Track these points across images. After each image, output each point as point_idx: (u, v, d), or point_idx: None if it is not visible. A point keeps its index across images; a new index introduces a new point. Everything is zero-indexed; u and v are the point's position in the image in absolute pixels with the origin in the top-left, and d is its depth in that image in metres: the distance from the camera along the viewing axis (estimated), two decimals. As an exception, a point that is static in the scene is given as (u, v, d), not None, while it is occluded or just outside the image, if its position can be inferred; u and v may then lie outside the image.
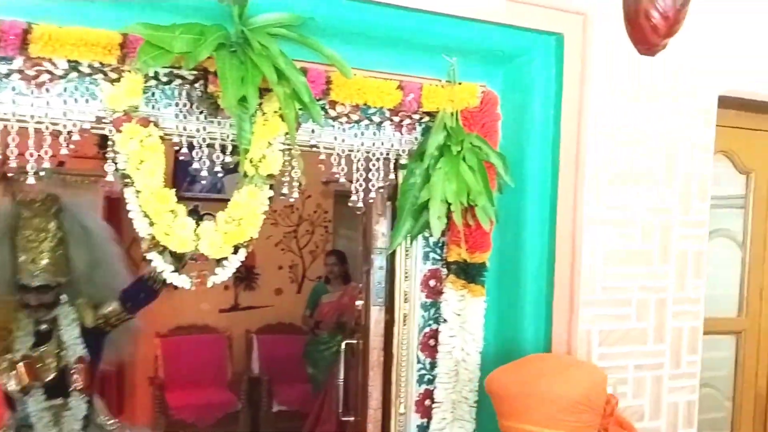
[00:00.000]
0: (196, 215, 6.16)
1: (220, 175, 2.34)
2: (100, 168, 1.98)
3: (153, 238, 2.27)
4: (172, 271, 2.35)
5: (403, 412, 2.64)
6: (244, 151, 2.18)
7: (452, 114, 2.45)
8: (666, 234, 2.62)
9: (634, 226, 2.58)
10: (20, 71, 2.08)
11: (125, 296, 3.14)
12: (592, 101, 2.48)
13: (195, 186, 6.26)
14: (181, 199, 6.27)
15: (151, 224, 2.25)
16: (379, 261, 2.75)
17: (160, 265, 2.32)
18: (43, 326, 2.94)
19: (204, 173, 2.30)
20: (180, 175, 6.16)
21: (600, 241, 2.52)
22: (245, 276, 6.75)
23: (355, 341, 3.60)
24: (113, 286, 3.13)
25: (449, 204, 2.41)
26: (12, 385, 2.75)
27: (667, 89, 2.60)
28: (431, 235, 2.60)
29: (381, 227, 2.75)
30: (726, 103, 2.72)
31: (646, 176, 2.58)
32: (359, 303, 3.21)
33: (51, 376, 2.90)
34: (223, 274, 2.40)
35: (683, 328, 2.64)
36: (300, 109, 2.19)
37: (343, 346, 3.63)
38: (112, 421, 3.14)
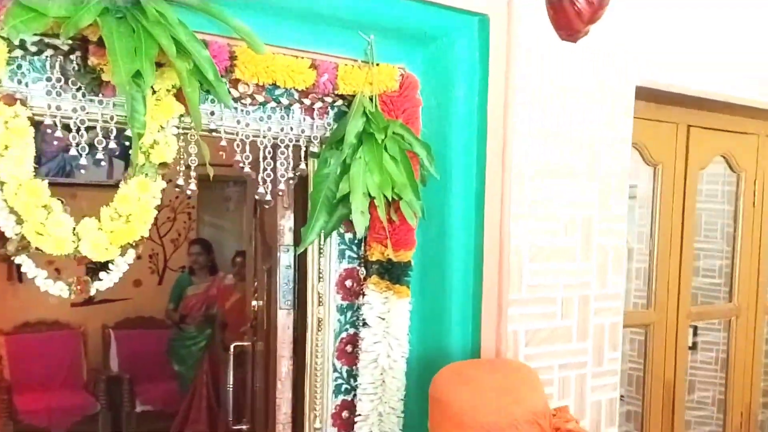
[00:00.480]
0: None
1: (103, 164, 1.94)
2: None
3: (22, 238, 1.85)
4: (46, 278, 1.94)
5: (319, 426, 2.36)
6: (137, 135, 1.80)
7: (371, 98, 2.18)
8: (588, 229, 2.48)
9: (557, 221, 2.42)
10: None
11: None
12: (519, 88, 2.28)
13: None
14: None
15: (20, 222, 1.83)
16: (285, 259, 2.45)
17: (32, 270, 1.92)
18: None
19: (83, 161, 1.89)
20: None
21: (525, 237, 2.34)
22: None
23: (246, 343, 3.27)
24: None
25: (371, 197, 2.14)
26: None
27: (590, 78, 2.45)
28: (346, 232, 2.33)
29: (287, 222, 2.44)
30: (639, 94, 2.62)
31: (568, 169, 2.42)
32: (256, 303, 2.89)
33: None
34: (108, 279, 2.03)
35: (605, 325, 2.53)
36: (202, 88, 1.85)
37: (232, 348, 3.27)
38: None
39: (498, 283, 2.27)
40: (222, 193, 6.53)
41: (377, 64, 2.18)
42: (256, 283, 2.91)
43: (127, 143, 1.91)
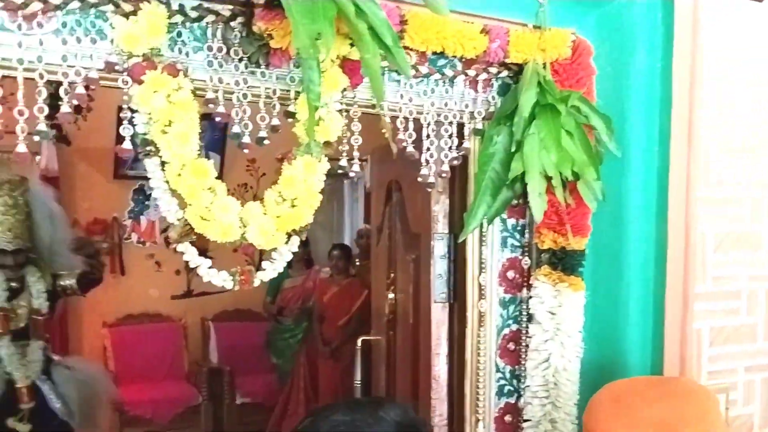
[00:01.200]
0: (143, 195, 5.53)
1: (266, 142, 1.73)
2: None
3: (186, 224, 1.67)
4: (209, 267, 1.75)
5: (482, 430, 2.12)
6: (313, 108, 1.58)
7: (544, 66, 1.93)
8: (776, 213, 2.17)
9: (741, 204, 2.12)
10: (2, -2, 1.43)
11: (83, 279, 3.41)
12: (709, 54, 1.99)
13: (140, 163, 5.56)
14: (123, 177, 5.53)
15: (183, 206, 1.65)
16: (440, 248, 2.21)
17: (194, 259, 1.73)
18: (14, 283, 3.18)
19: (246, 139, 1.70)
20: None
21: (711, 223, 2.05)
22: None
23: (375, 337, 3.06)
24: (66, 260, 3.39)
25: (549, 178, 1.89)
26: None
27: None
28: (509, 217, 2.10)
29: (442, 207, 2.20)
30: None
31: (759, 145, 2.12)
32: (391, 296, 2.68)
33: (21, 325, 3.18)
34: (272, 269, 1.83)
35: (795, 321, 2.22)
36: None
37: (359, 343, 3.07)
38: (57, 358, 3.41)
39: (684, 275, 1.99)
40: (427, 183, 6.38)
41: (549, 29, 1.93)
42: (392, 275, 2.69)
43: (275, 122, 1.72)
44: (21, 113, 1.47)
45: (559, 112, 1.86)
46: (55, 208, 3.38)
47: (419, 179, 1.93)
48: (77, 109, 4.51)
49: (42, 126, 1.51)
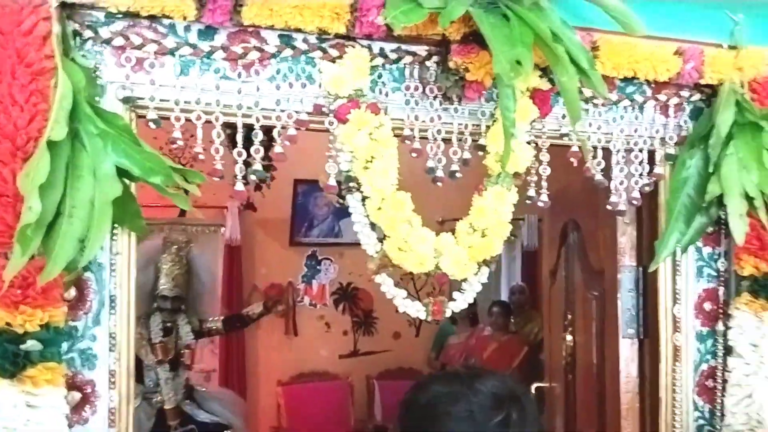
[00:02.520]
0: (315, 260, 5.72)
1: (458, 175, 1.71)
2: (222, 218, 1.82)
3: (384, 255, 1.66)
4: (404, 298, 1.73)
5: (681, 474, 1.92)
6: (509, 135, 1.55)
7: (741, 85, 1.80)
8: None
9: None
10: (224, 48, 1.53)
11: (226, 321, 4.29)
12: None
13: (312, 231, 5.79)
14: (298, 244, 5.77)
15: (382, 239, 1.64)
16: (628, 282, 2.07)
17: (391, 290, 1.71)
18: (169, 324, 3.87)
19: (440, 173, 1.68)
20: (298, 221, 5.73)
21: None
22: (363, 320, 6.12)
23: (546, 384, 2.92)
24: (208, 308, 4.22)
25: (750, 199, 1.74)
26: (151, 359, 3.75)
27: None
28: (705, 245, 1.94)
29: (628, 239, 2.08)
30: None
31: None
32: (569, 338, 2.54)
33: (172, 355, 3.84)
34: (462, 300, 1.77)
35: None
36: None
37: (533, 389, 2.92)
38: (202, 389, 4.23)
39: None
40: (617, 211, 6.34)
41: (745, 47, 1.81)
42: (569, 316, 2.56)
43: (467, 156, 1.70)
44: (240, 154, 1.54)
45: (760, 130, 1.73)
46: (208, 269, 4.29)
47: (608, 207, 1.84)
48: (261, 181, 4.81)
49: (258, 166, 1.57)
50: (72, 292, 1.42)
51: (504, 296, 6.32)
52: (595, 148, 1.80)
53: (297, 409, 5.70)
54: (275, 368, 5.75)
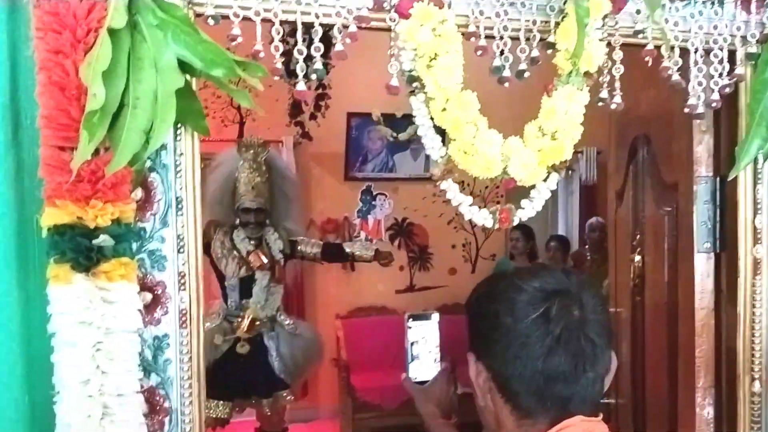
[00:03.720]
0: (370, 195, 5.69)
1: (527, 75, 1.63)
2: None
3: (449, 160, 1.61)
4: (470, 205, 1.68)
5: (758, 390, 1.85)
6: (582, 25, 1.47)
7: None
8: None
9: None
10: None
11: (326, 250, 4.00)
12: None
13: (367, 166, 5.76)
14: (353, 179, 5.78)
15: (446, 143, 1.59)
16: (704, 193, 1.98)
17: (457, 196, 1.66)
18: (253, 241, 3.69)
19: (506, 73, 1.61)
20: (352, 155, 5.70)
21: None
22: (419, 256, 6.11)
23: (612, 309, 2.85)
24: (297, 227, 3.97)
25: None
26: (236, 272, 3.65)
27: None
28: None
29: (704, 148, 1.98)
30: None
31: None
32: (637, 258, 2.46)
33: (266, 267, 3.67)
34: (531, 208, 1.71)
35: None
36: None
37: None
38: (288, 321, 3.91)
39: None
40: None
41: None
42: (638, 236, 2.47)
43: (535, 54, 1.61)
44: (300, 52, 1.49)
45: None
46: (289, 176, 3.94)
47: (686, 110, 1.74)
48: (316, 107, 4.78)
49: (318, 64, 1.52)
50: (138, 193, 1.42)
51: (562, 230, 6.24)
52: (672, 47, 1.70)
53: (356, 342, 5.78)
54: (334, 302, 5.84)
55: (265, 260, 3.62)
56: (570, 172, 6.15)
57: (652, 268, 2.34)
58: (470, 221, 1.74)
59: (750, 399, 1.85)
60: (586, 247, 5.29)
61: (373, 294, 5.97)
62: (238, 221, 3.67)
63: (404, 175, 5.82)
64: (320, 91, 4.38)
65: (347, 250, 4.08)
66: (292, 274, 5.58)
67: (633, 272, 2.49)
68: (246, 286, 3.67)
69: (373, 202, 5.89)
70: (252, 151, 3.65)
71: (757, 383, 1.86)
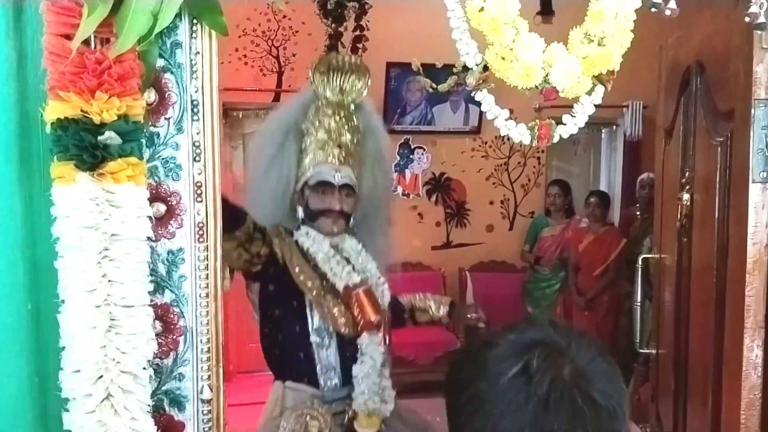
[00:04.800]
0: (408, 149, 5.53)
1: None
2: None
3: (485, 68, 1.47)
4: (507, 119, 1.54)
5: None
6: None
7: None
8: None
9: None
10: None
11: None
12: None
13: (405, 118, 5.60)
14: (390, 132, 5.58)
15: (484, 47, 1.45)
16: (762, 118, 1.80)
17: (493, 109, 1.52)
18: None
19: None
20: (390, 107, 5.55)
21: None
22: (456, 212, 5.97)
23: (653, 255, 2.71)
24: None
25: None
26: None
27: None
28: None
29: (764, 68, 1.79)
30: None
31: None
32: (686, 197, 2.29)
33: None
34: (572, 124, 1.57)
35: None
36: None
37: (639, 261, 2.72)
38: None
39: None
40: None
41: None
42: (687, 173, 2.30)
43: None
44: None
45: None
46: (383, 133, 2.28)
47: (746, 19, 1.56)
48: (354, 49, 4.63)
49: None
50: (152, 95, 1.32)
51: (603, 187, 6.03)
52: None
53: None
54: (370, 257, 5.75)
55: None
56: (615, 127, 5.91)
57: (702, 205, 2.17)
58: (509, 138, 1.59)
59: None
60: (637, 205, 5.06)
61: (408, 249, 5.85)
62: (302, 215, 2.13)
63: (443, 128, 5.66)
64: (357, 32, 4.20)
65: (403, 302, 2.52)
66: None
67: (680, 212, 2.32)
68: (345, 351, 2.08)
69: (411, 156, 5.75)
70: (340, 79, 2.08)
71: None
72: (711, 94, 2.07)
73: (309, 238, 2.08)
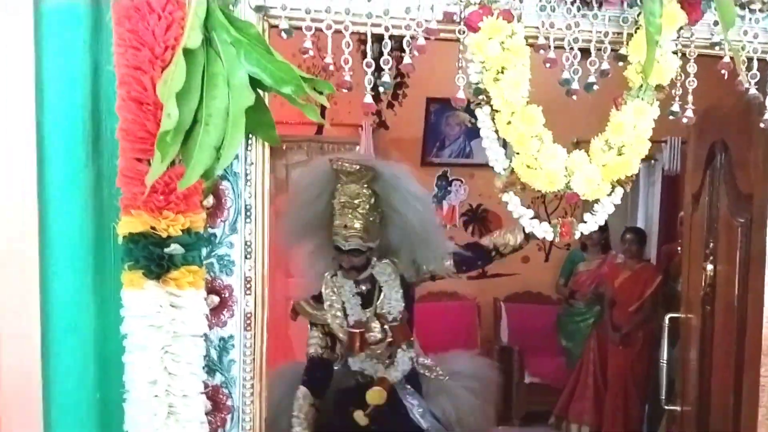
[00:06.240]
0: (446, 181, 5.62)
1: (595, 87, 1.60)
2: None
3: (512, 172, 1.60)
4: (531, 218, 1.67)
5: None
6: (653, 42, 1.42)
7: None
8: None
9: None
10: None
11: (461, 259, 2.82)
12: None
13: (444, 151, 5.73)
14: (429, 165, 5.60)
15: (510, 155, 1.58)
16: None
17: (518, 209, 1.65)
18: (364, 286, 2.66)
19: (575, 86, 1.58)
20: (430, 140, 5.69)
21: None
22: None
23: (680, 315, 2.78)
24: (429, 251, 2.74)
25: None
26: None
27: None
28: None
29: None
30: None
31: None
32: (710, 267, 2.38)
33: (378, 340, 2.62)
34: (593, 222, 1.69)
35: None
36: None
37: (666, 320, 2.80)
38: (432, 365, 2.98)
39: None
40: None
41: None
42: (711, 245, 2.39)
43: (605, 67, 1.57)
44: (369, 65, 1.51)
45: None
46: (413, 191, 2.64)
47: (762, 125, 1.66)
48: (394, 96, 4.76)
49: (387, 77, 1.54)
50: (210, 200, 1.48)
51: (641, 222, 6.05)
52: (750, 59, 1.62)
53: (427, 327, 5.78)
54: (404, 287, 5.85)
55: (379, 335, 2.61)
56: (653, 162, 5.93)
57: (724, 279, 2.26)
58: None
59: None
60: (679, 241, 5.09)
61: (445, 279, 5.95)
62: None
63: (481, 161, 5.74)
64: (398, 79, 4.36)
65: (486, 244, 2.82)
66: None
67: (704, 280, 2.41)
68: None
69: (449, 188, 5.87)
70: (353, 175, 2.54)
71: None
72: (733, 174, 2.16)
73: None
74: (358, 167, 2.51)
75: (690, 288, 2.67)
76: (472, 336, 5.93)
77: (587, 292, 5.39)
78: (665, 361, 2.82)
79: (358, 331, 2.57)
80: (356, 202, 2.51)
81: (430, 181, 5.83)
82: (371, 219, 2.55)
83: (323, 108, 5.12)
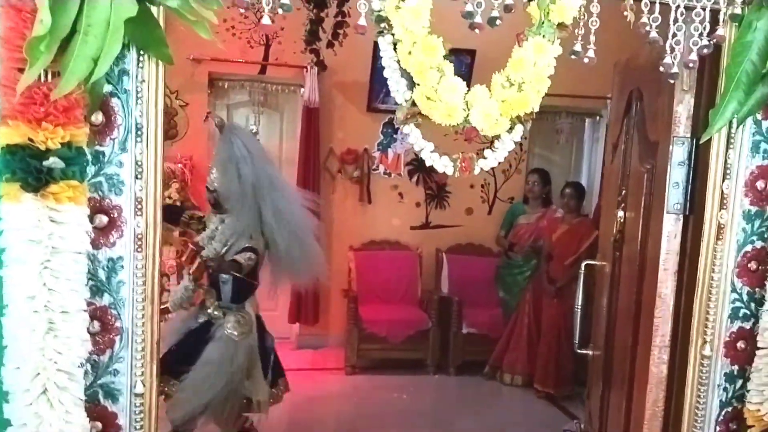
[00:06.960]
0: (392, 128, 5.56)
1: (498, 22, 1.60)
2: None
3: (413, 104, 1.61)
4: (432, 151, 1.69)
5: (709, 354, 1.87)
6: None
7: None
8: None
9: None
10: None
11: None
12: None
13: (390, 97, 5.65)
14: (375, 111, 5.50)
15: (411, 87, 1.59)
16: (679, 154, 1.95)
17: (419, 142, 1.67)
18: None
19: (478, 19, 1.58)
20: (377, 85, 5.61)
21: None
22: (436, 194, 6.10)
23: (597, 262, 2.86)
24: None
25: (820, 69, 1.56)
26: None
27: None
28: (764, 119, 1.78)
29: (684, 108, 1.93)
30: None
31: None
32: (620, 214, 2.44)
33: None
34: (493, 158, 1.71)
35: None
36: None
37: (582, 267, 2.87)
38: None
39: None
40: (553, 125, 6.09)
41: None
42: (623, 192, 2.45)
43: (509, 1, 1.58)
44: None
45: None
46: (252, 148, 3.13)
47: (660, 68, 1.70)
48: (334, 35, 4.66)
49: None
50: (99, 117, 1.46)
51: (584, 178, 6.15)
52: (652, 2, 1.65)
53: (367, 275, 5.85)
54: (348, 234, 5.85)
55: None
56: (598, 118, 6.01)
57: (631, 224, 2.32)
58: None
59: (700, 362, 1.87)
60: None
61: (387, 228, 6.01)
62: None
63: (428, 110, 5.75)
64: (339, 18, 4.26)
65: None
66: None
67: (615, 227, 2.47)
68: None
69: (394, 136, 5.85)
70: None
71: (708, 347, 1.87)
72: (645, 123, 2.21)
73: None
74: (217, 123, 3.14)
75: (604, 236, 2.74)
76: (413, 286, 6.00)
77: (525, 245, 5.49)
78: (579, 307, 2.90)
79: None
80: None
81: (376, 127, 5.81)
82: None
83: (267, 46, 4.95)
